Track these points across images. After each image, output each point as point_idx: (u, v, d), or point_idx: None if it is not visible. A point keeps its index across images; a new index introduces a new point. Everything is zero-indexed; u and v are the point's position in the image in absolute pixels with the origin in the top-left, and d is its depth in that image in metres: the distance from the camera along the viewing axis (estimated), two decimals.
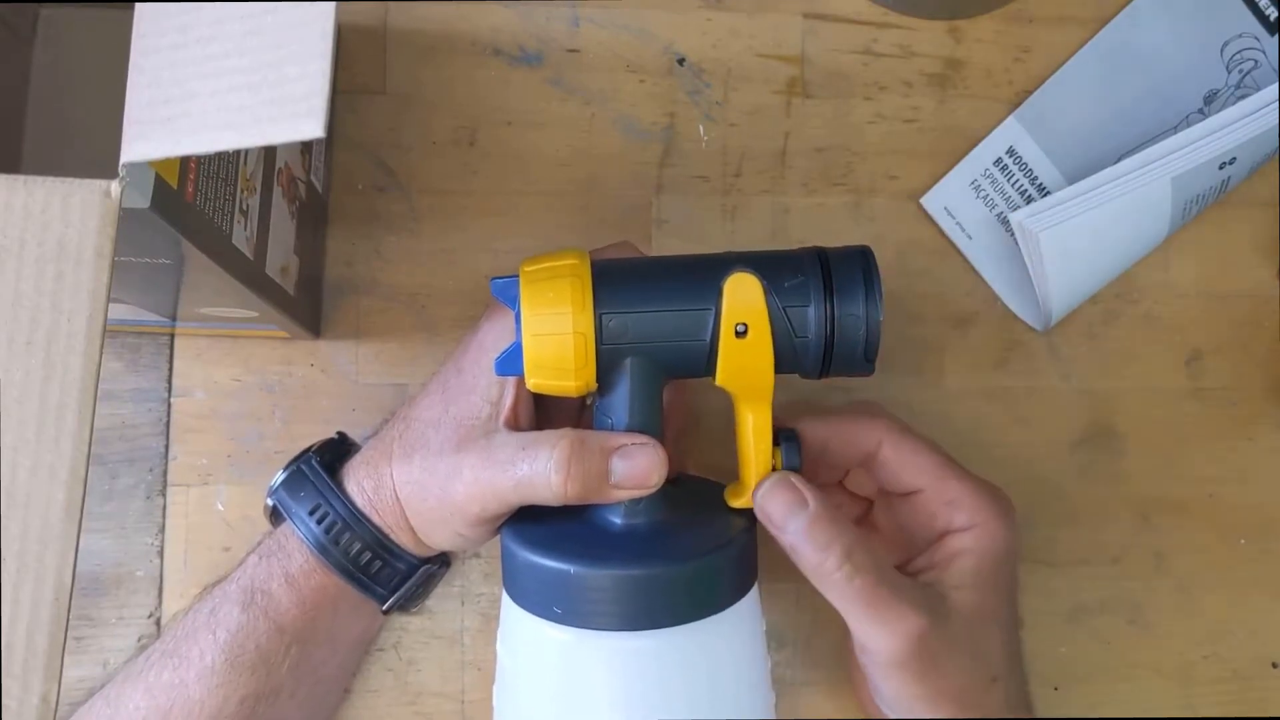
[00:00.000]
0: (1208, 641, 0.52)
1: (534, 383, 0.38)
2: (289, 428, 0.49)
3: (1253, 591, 0.52)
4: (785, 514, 0.39)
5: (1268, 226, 0.54)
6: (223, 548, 0.48)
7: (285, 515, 0.43)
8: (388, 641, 0.48)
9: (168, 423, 0.49)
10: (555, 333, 0.37)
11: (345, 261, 0.50)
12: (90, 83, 0.49)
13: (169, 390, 0.49)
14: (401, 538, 0.42)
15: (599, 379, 0.38)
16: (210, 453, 0.49)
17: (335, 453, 0.45)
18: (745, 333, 0.38)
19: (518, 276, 0.38)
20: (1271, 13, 0.54)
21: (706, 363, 0.39)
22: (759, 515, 0.40)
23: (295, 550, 0.42)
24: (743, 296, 0.38)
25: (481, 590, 0.49)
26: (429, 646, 0.49)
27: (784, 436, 0.41)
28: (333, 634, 0.43)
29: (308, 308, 0.48)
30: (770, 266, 0.38)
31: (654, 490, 0.38)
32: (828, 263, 0.39)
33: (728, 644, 0.39)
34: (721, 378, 0.39)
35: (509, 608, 0.40)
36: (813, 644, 0.50)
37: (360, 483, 0.42)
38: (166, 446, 0.49)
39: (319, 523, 0.42)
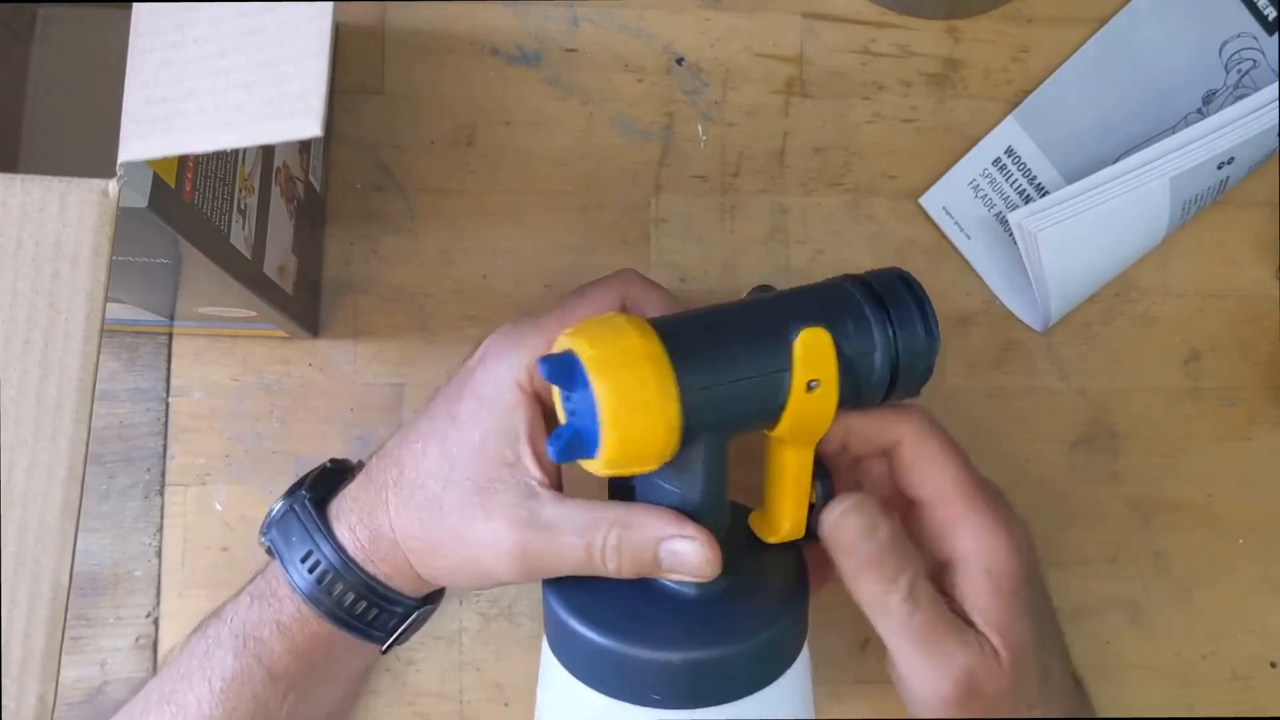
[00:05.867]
0: (1207, 641, 0.52)
1: (611, 471, 0.35)
2: (287, 427, 0.49)
3: (1252, 591, 0.52)
4: (857, 539, 0.37)
5: (1266, 226, 0.54)
6: (221, 548, 0.48)
7: (277, 560, 0.41)
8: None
9: (166, 422, 0.49)
10: (642, 423, 0.34)
11: (343, 261, 0.50)
12: (88, 82, 0.49)
13: (167, 390, 0.49)
14: (399, 583, 0.40)
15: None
16: (208, 452, 0.49)
17: (329, 485, 0.42)
18: (816, 387, 0.36)
19: (573, 357, 0.34)
20: (1270, 12, 0.54)
21: (774, 421, 0.37)
22: (827, 537, 0.38)
23: (287, 597, 0.40)
24: (815, 353, 0.36)
25: (480, 591, 0.49)
26: (427, 647, 0.48)
27: (818, 474, 0.39)
28: (331, 673, 0.42)
29: (306, 307, 0.48)
30: (832, 314, 0.37)
31: (705, 580, 0.36)
32: (881, 298, 0.38)
33: (780, 709, 0.37)
34: (781, 429, 0.37)
35: (550, 658, 0.38)
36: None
37: (353, 529, 0.40)
38: (164, 446, 0.49)
39: (310, 570, 0.40)
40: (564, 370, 0.34)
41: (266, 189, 0.41)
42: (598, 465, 0.35)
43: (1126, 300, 0.53)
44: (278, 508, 0.42)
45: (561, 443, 0.34)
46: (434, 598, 0.43)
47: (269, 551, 0.42)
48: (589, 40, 0.52)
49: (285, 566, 0.40)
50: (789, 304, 0.38)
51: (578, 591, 0.37)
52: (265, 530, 0.42)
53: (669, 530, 0.36)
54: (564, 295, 0.40)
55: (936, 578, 0.40)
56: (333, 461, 0.44)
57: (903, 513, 0.42)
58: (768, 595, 0.38)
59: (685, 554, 0.35)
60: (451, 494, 0.38)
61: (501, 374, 0.38)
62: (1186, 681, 0.52)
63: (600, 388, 0.33)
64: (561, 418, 0.37)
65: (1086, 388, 0.53)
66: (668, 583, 0.37)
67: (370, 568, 0.39)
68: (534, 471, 0.37)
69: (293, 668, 0.40)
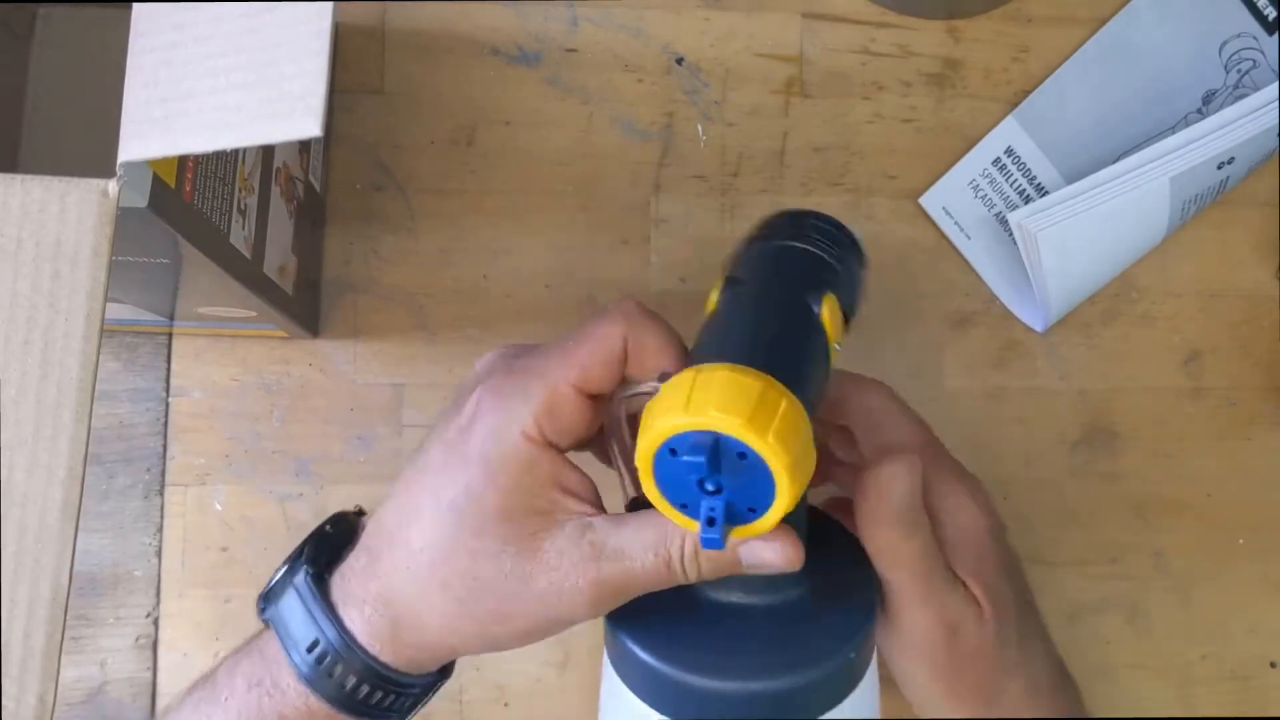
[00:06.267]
0: (1206, 641, 0.52)
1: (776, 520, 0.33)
2: (287, 427, 0.49)
3: (1251, 591, 0.52)
4: (901, 495, 0.38)
5: (1266, 226, 0.54)
6: (220, 548, 0.48)
7: (279, 644, 0.37)
8: None
9: (165, 422, 0.49)
10: (807, 466, 0.32)
11: (343, 261, 0.50)
12: (88, 82, 0.49)
13: (167, 390, 0.49)
14: (420, 666, 0.37)
15: None
16: (208, 452, 0.49)
17: (332, 553, 0.38)
18: (839, 349, 0.37)
19: (723, 437, 0.31)
20: (1270, 12, 0.54)
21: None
22: (872, 485, 0.38)
23: (292, 689, 0.36)
24: (832, 319, 0.37)
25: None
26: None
27: None
28: None
29: (306, 307, 0.48)
30: (822, 278, 0.38)
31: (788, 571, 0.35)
32: (832, 246, 0.39)
33: (859, 711, 0.37)
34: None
35: (613, 676, 0.37)
36: None
37: (368, 620, 0.36)
38: (164, 446, 0.49)
39: (319, 662, 0.36)
40: (714, 454, 0.31)
41: (266, 189, 0.41)
42: (765, 522, 0.33)
43: (1126, 300, 0.53)
44: (276, 580, 0.38)
45: (718, 526, 0.31)
46: (448, 669, 0.39)
47: (265, 622, 0.38)
48: (589, 40, 0.52)
49: (288, 652, 0.36)
50: (789, 282, 0.37)
51: (635, 609, 0.36)
52: (263, 606, 0.38)
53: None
54: (560, 339, 0.37)
55: None
56: (331, 524, 0.39)
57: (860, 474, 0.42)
58: (843, 601, 0.38)
59: (762, 555, 0.34)
60: (487, 566, 0.35)
61: (505, 432, 0.35)
62: (1186, 681, 0.52)
63: (776, 454, 0.31)
64: (666, 506, 0.33)
65: (1086, 388, 0.53)
66: (732, 597, 0.37)
67: (386, 656, 0.36)
68: (578, 506, 0.35)
69: None
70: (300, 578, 0.37)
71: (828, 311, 0.36)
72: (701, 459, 0.31)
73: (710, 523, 0.31)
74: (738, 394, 0.31)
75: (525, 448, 0.35)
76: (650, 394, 0.35)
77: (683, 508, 0.33)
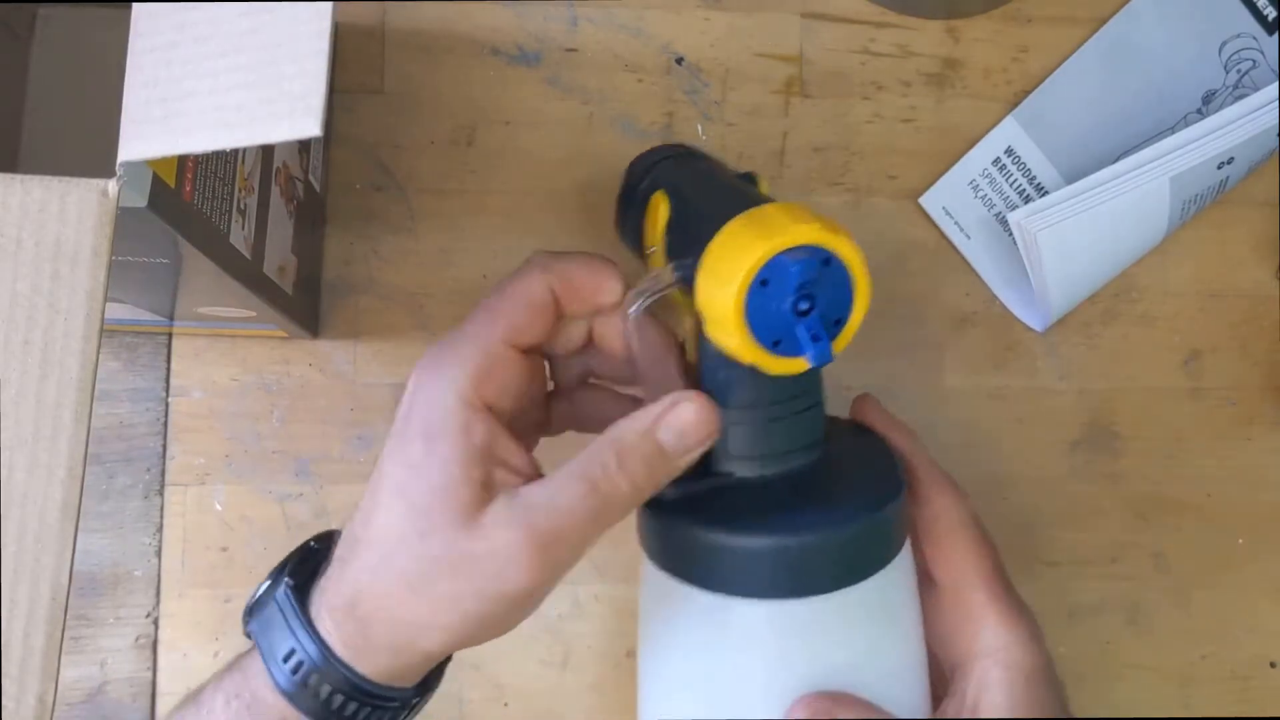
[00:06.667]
0: (1206, 641, 0.52)
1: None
2: (287, 427, 0.49)
3: (1251, 591, 0.52)
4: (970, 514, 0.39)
5: (1266, 226, 0.54)
6: (220, 548, 0.48)
7: (261, 661, 0.36)
8: None
9: (165, 422, 0.49)
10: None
11: (343, 261, 0.50)
12: (88, 82, 0.49)
13: (167, 390, 0.49)
14: (395, 675, 0.36)
15: None
16: (208, 452, 0.49)
17: (313, 567, 0.38)
18: None
19: (824, 250, 0.33)
20: (1270, 12, 0.54)
21: None
22: (944, 507, 0.39)
23: (271, 703, 0.36)
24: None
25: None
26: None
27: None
28: None
29: (305, 307, 0.48)
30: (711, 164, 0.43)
31: (711, 440, 0.35)
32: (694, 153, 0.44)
33: (894, 595, 0.37)
34: None
35: (648, 564, 0.38)
36: None
37: (338, 623, 0.36)
38: (164, 446, 0.49)
39: (294, 672, 0.35)
40: (820, 266, 0.33)
41: (266, 189, 0.41)
42: (851, 325, 0.35)
43: (1126, 300, 0.53)
44: (261, 591, 0.38)
45: (825, 340, 0.33)
46: (430, 683, 0.38)
47: (248, 635, 0.38)
48: (589, 40, 0.52)
49: (267, 664, 0.36)
50: (719, 173, 0.42)
51: (676, 504, 0.36)
52: (247, 620, 0.38)
53: (654, 410, 0.34)
54: (483, 301, 0.37)
55: (944, 669, 0.39)
56: (316, 540, 0.39)
57: (920, 588, 0.41)
58: (869, 466, 0.38)
59: (683, 419, 0.34)
60: (434, 544, 0.34)
61: (442, 399, 0.35)
62: (1186, 681, 0.52)
63: (855, 252, 0.33)
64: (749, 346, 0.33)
65: (1086, 388, 0.53)
66: (756, 471, 0.37)
67: (362, 665, 0.35)
68: (510, 476, 0.35)
69: None
70: (281, 591, 0.36)
71: (763, 184, 0.41)
72: (813, 265, 0.32)
73: (815, 339, 0.33)
74: (800, 212, 0.33)
75: (463, 412, 0.35)
76: (666, 288, 0.35)
77: (774, 345, 0.33)
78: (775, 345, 0.33)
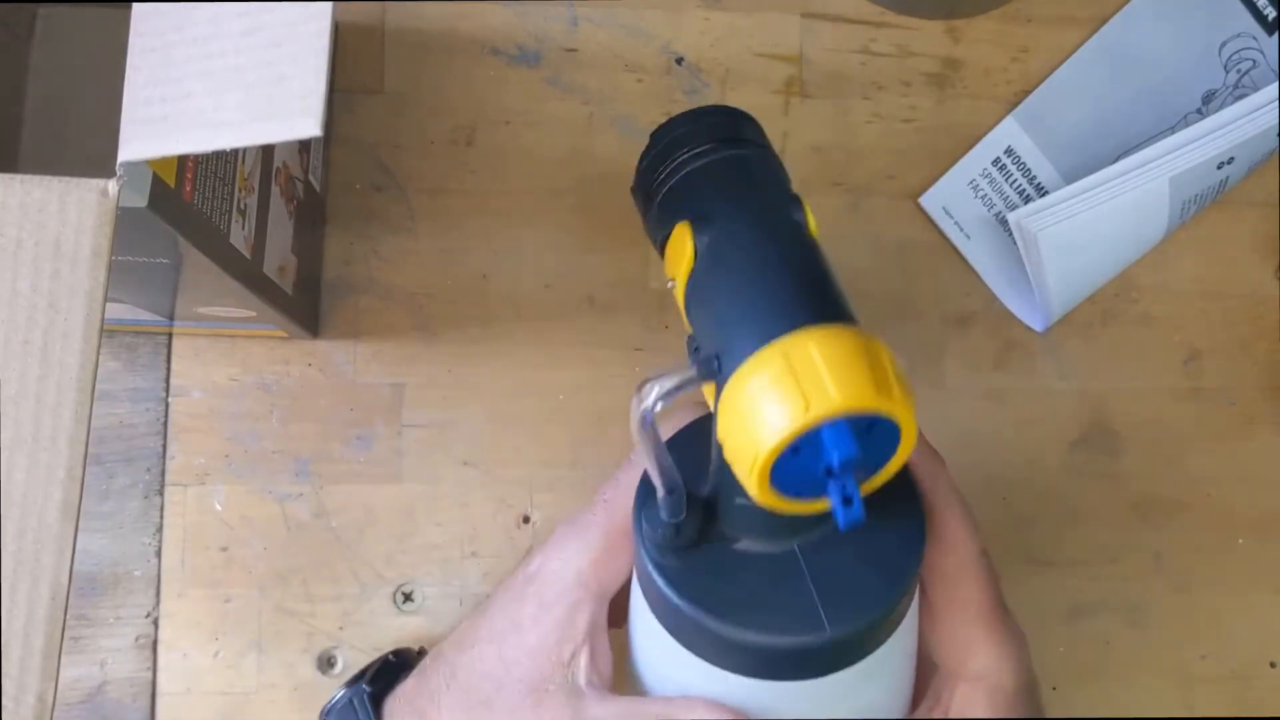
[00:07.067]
0: (1206, 641, 0.52)
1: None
2: (287, 427, 0.49)
3: (1251, 591, 0.52)
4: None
5: (1266, 226, 0.54)
6: (220, 548, 0.48)
7: None
8: (385, 641, 0.48)
9: (165, 422, 0.49)
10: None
11: (343, 261, 0.50)
12: (88, 82, 0.49)
13: (167, 390, 0.49)
14: None
15: None
16: (208, 452, 0.49)
17: (389, 678, 0.43)
18: None
19: (878, 418, 0.29)
20: (1270, 12, 0.54)
21: None
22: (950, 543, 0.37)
23: None
24: (811, 221, 0.33)
25: (479, 589, 0.49)
26: (426, 646, 0.48)
27: None
28: None
29: (305, 307, 0.48)
30: (780, 173, 0.34)
31: None
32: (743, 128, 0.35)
33: (892, 662, 0.36)
34: None
35: (657, 631, 0.37)
36: None
37: None
38: (164, 446, 0.49)
39: None
40: (864, 430, 0.29)
41: (266, 189, 0.41)
42: (889, 470, 0.31)
43: (1126, 300, 0.53)
44: (339, 697, 0.43)
45: (857, 502, 0.29)
46: None
47: None
48: (589, 40, 0.52)
49: None
50: (763, 205, 0.33)
51: (677, 559, 0.34)
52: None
53: (703, 714, 0.36)
54: (599, 488, 0.39)
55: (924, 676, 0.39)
56: (394, 654, 0.46)
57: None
58: (889, 536, 0.34)
59: None
60: (503, 696, 0.37)
61: (564, 572, 0.38)
62: (1186, 681, 0.52)
63: (906, 408, 0.29)
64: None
65: (1086, 388, 0.53)
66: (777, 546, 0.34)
67: None
68: (583, 673, 0.37)
69: None
70: (359, 697, 0.42)
71: (811, 219, 0.33)
72: (852, 449, 0.28)
73: (847, 501, 0.28)
74: (847, 361, 0.28)
75: (577, 591, 0.37)
76: (684, 385, 0.31)
77: (797, 495, 0.30)
78: (799, 495, 0.30)
